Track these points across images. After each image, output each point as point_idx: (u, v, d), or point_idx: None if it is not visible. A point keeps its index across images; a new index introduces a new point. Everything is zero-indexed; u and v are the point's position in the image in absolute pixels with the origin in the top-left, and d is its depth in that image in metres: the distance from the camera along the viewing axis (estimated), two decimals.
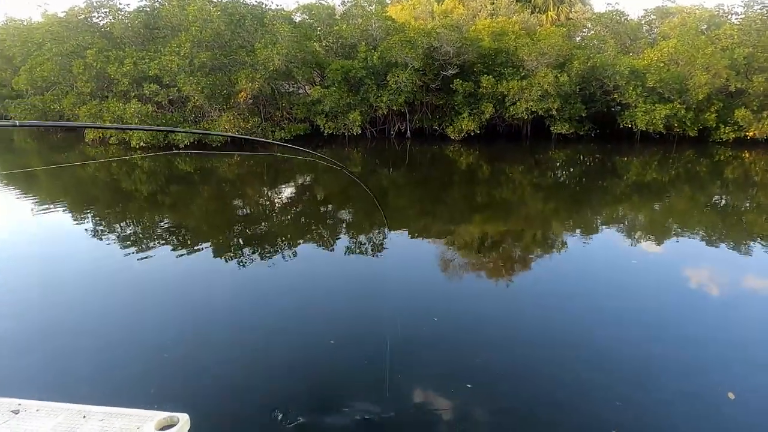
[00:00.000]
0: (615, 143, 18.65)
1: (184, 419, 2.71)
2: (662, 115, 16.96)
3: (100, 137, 18.00)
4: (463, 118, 18.32)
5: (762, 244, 7.63)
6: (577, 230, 8.62)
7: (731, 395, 3.52)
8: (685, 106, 17.28)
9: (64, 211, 10.33)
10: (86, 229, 8.58)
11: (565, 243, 7.75)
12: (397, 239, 8.06)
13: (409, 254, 7.35)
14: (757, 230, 8.56)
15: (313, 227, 9.02)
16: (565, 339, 4.45)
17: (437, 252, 7.29)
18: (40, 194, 12.20)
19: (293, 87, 20.24)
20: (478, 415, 3.33)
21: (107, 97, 18.00)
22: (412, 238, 8.19)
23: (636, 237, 8.14)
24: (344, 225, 9.03)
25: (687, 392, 3.65)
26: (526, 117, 18.19)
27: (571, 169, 15.25)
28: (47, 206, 10.63)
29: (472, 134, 18.43)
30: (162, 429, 2.64)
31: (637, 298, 5.49)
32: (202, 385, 3.62)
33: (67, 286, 5.89)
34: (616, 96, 18.16)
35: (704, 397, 3.59)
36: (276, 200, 11.30)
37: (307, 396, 3.50)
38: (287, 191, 12.30)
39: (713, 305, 5.38)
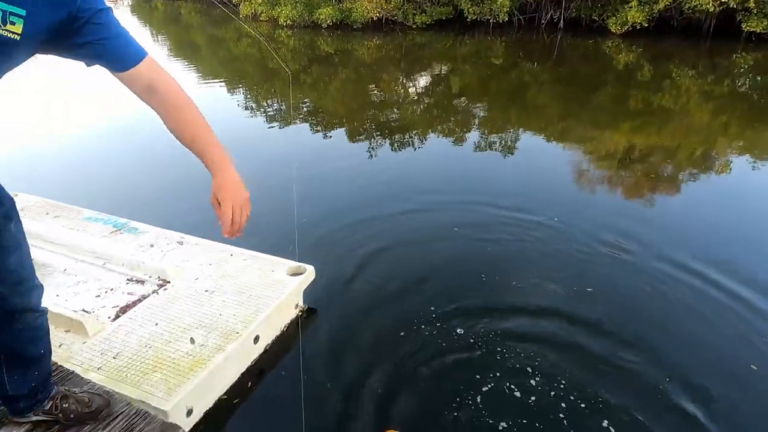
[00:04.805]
0: None
1: (310, 269, 3.08)
2: None
3: (252, 13, 18.85)
4: (630, 7, 15.77)
5: None
6: (748, 152, 7.37)
7: None
8: None
9: (220, 84, 11.35)
10: (238, 103, 9.40)
11: (729, 165, 6.71)
12: (530, 141, 7.64)
13: (541, 157, 6.97)
14: None
15: (443, 119, 8.88)
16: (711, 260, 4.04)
17: (572, 159, 6.80)
18: (202, 67, 13.47)
19: None
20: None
21: None
22: (547, 140, 7.71)
23: None
24: (476, 120, 8.74)
25: None
26: (712, 9, 15.09)
27: (758, 78, 12.67)
28: (208, 79, 11.77)
29: (638, 28, 15.90)
30: (292, 275, 3.05)
31: None
32: (329, 248, 4.03)
33: None
34: None
35: None
36: (410, 88, 11.19)
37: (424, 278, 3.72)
38: (422, 80, 12.06)
39: None
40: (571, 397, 2.63)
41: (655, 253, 4.11)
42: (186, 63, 13.97)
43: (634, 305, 3.44)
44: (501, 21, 17.19)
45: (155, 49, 15.73)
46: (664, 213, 5.18)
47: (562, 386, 2.69)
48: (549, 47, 15.66)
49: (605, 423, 2.47)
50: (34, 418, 1.74)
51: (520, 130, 8.16)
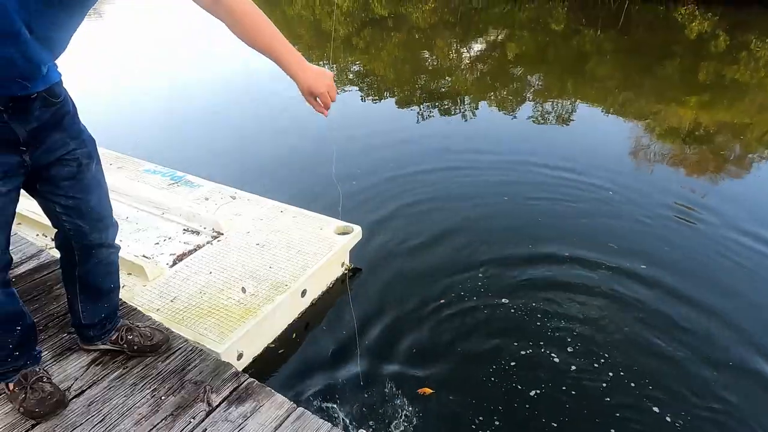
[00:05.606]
0: None
1: (357, 229, 3.13)
2: None
3: None
4: None
5: None
6: None
7: None
8: None
9: None
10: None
11: None
12: (587, 112, 7.32)
13: (598, 129, 6.68)
14: None
15: (497, 87, 8.61)
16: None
17: (630, 133, 6.47)
18: None
19: None
20: None
21: None
22: (604, 113, 7.36)
23: None
24: (531, 89, 8.43)
25: None
26: None
27: None
28: None
29: None
30: (339, 234, 3.11)
31: None
32: (376, 208, 4.08)
33: (267, 119, 6.66)
34: None
35: None
36: (464, 54, 10.88)
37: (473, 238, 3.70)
38: (477, 46, 11.68)
39: None
40: (621, 372, 2.56)
41: (720, 225, 3.93)
42: None
43: (692, 276, 3.28)
44: None
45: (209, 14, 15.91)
46: (730, 190, 4.88)
47: (605, 359, 2.64)
48: (615, 13, 14.75)
49: (656, 409, 2.36)
50: (102, 347, 1.89)
51: (578, 100, 7.82)
